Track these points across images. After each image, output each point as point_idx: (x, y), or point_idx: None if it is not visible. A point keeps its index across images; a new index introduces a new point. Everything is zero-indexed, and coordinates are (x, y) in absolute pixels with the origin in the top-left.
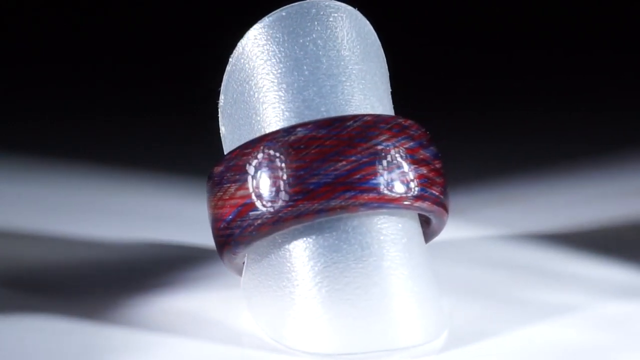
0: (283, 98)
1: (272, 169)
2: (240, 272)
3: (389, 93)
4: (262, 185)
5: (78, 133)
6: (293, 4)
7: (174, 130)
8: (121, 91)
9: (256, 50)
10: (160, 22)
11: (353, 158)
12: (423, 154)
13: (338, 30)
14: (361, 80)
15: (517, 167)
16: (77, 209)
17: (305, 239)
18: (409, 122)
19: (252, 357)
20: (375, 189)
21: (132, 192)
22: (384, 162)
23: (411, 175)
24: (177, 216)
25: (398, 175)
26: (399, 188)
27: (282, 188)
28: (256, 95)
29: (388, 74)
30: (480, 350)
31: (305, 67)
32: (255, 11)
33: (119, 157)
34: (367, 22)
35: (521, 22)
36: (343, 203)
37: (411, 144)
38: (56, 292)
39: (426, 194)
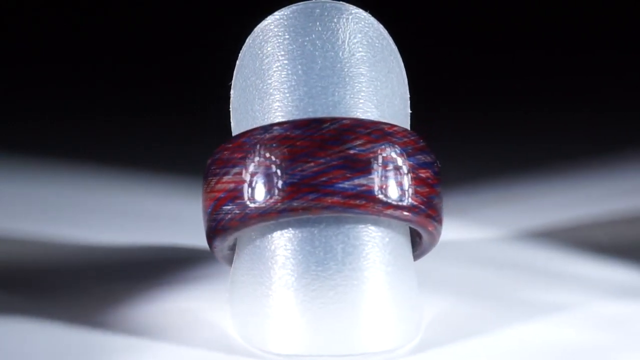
0: (274, 97)
1: (243, 165)
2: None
3: (400, 98)
4: (232, 180)
5: (78, 133)
6: (299, 3)
7: (174, 130)
8: (121, 91)
9: (259, 47)
10: (160, 22)
11: (322, 160)
12: (405, 161)
13: (340, 32)
14: (356, 84)
15: (517, 167)
16: (76, 209)
17: (279, 239)
18: (395, 128)
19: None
20: (340, 192)
21: (132, 192)
22: (354, 167)
23: (383, 182)
24: (178, 216)
25: (367, 181)
26: (366, 194)
27: (247, 186)
28: (254, 92)
29: (402, 79)
30: (480, 349)
31: (299, 67)
32: (256, 11)
33: (119, 157)
34: (379, 26)
35: (521, 22)
36: (306, 204)
37: (389, 150)
38: (56, 293)
39: (401, 203)
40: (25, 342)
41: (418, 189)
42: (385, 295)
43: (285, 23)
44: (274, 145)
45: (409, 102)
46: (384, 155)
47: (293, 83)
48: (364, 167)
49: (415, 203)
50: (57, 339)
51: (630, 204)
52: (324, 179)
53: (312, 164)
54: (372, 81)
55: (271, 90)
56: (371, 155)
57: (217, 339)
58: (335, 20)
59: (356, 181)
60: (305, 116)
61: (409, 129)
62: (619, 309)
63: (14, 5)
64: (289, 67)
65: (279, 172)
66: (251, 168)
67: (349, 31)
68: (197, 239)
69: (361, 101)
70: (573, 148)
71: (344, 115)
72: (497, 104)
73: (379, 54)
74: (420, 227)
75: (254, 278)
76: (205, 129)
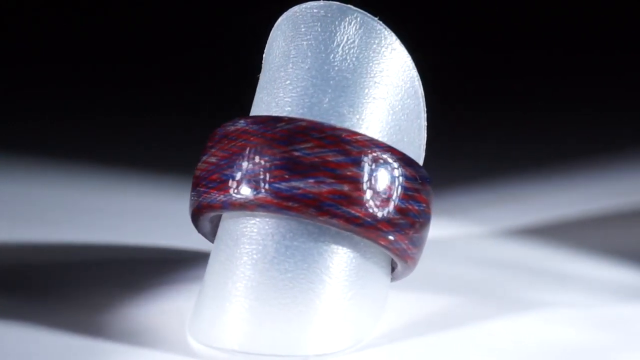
0: (266, 90)
1: (210, 154)
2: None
3: (399, 112)
4: (200, 167)
5: (78, 133)
6: (309, 2)
7: (174, 130)
8: (121, 91)
9: (270, 43)
10: (160, 22)
11: (267, 158)
12: (352, 171)
13: (338, 35)
14: (339, 89)
15: (516, 167)
16: (76, 209)
17: (241, 236)
18: (357, 137)
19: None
20: (275, 193)
21: (131, 192)
22: (295, 169)
23: (320, 188)
24: (178, 216)
25: (304, 185)
26: (300, 197)
27: (206, 175)
28: (259, 86)
29: (412, 95)
30: (480, 348)
31: (290, 65)
32: (256, 12)
33: (119, 157)
34: (388, 34)
35: (521, 22)
36: (243, 200)
37: (339, 158)
38: (56, 293)
39: (337, 211)
40: (24, 343)
41: (368, 200)
42: (330, 302)
43: (293, 21)
44: (233, 138)
45: (419, 121)
46: (331, 161)
47: (281, 80)
48: (303, 170)
49: (359, 214)
50: (56, 340)
51: (629, 204)
52: (263, 177)
53: (257, 160)
54: (359, 88)
55: (264, 84)
56: (315, 159)
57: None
58: (336, 22)
59: (293, 183)
60: (281, 113)
61: (409, 143)
62: (618, 309)
63: (13, 5)
64: (284, 65)
65: (228, 165)
66: (212, 159)
67: (347, 35)
68: (197, 238)
69: (340, 105)
70: (572, 148)
71: (316, 118)
72: (496, 104)
73: (382, 62)
74: (371, 241)
75: (210, 274)
76: (205, 129)
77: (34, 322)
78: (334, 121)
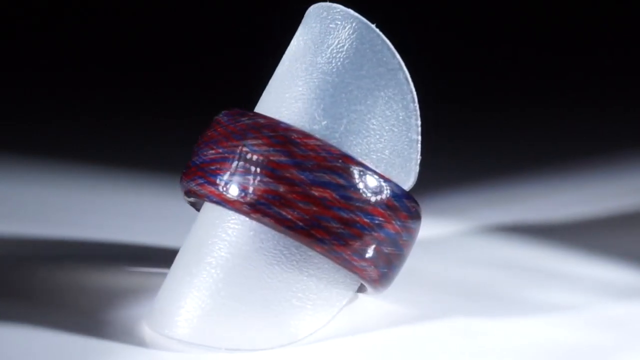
0: (269, 85)
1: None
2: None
3: (374, 116)
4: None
5: (78, 133)
6: (321, 3)
7: (174, 130)
8: (121, 91)
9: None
10: (160, 23)
11: (221, 150)
12: (294, 173)
13: (331, 37)
14: (315, 90)
15: (516, 167)
16: (75, 209)
17: (200, 226)
18: (308, 140)
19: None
20: (218, 184)
21: (131, 192)
22: (239, 164)
23: (256, 186)
24: (178, 217)
25: (243, 180)
26: (235, 192)
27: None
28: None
29: (398, 102)
30: (481, 348)
31: (286, 63)
32: (257, 12)
33: (118, 157)
34: (380, 42)
35: (522, 22)
36: (195, 188)
37: (283, 159)
38: (55, 292)
39: (269, 210)
40: (24, 344)
41: (301, 205)
42: (251, 297)
43: (305, 21)
44: (209, 127)
45: (410, 134)
46: (272, 160)
47: (279, 75)
48: (244, 165)
49: (290, 217)
50: (55, 340)
51: (628, 204)
52: (213, 167)
53: (213, 151)
54: (337, 93)
55: (266, 79)
56: (258, 157)
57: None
58: (332, 25)
59: (234, 178)
60: (262, 108)
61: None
62: (618, 309)
63: (14, 5)
64: (285, 60)
65: (196, 152)
66: (195, 146)
67: (339, 38)
68: None
69: (312, 109)
70: (571, 148)
71: (286, 118)
72: (497, 104)
73: (370, 67)
74: (304, 245)
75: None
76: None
77: (31, 322)
78: (305, 123)
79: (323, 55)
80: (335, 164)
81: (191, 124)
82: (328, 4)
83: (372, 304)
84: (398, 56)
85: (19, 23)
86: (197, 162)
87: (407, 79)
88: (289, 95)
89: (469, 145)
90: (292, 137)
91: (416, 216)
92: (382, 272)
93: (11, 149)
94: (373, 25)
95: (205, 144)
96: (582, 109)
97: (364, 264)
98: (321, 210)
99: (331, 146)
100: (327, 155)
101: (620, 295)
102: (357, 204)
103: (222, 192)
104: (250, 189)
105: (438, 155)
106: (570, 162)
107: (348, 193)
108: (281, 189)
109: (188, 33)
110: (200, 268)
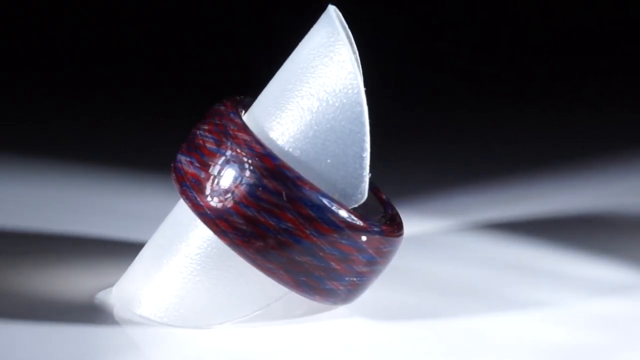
0: (264, 86)
1: None
2: None
3: (318, 123)
4: None
5: (78, 133)
6: (330, 5)
7: (174, 130)
8: (121, 91)
9: None
10: (160, 23)
11: (193, 131)
12: (214, 161)
13: (310, 41)
14: (280, 90)
15: (515, 166)
16: (75, 209)
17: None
18: (238, 133)
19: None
20: (172, 163)
21: (132, 192)
22: (188, 146)
23: (187, 168)
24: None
25: (184, 160)
26: (176, 171)
27: None
28: None
29: (340, 112)
30: (478, 349)
31: (285, 61)
32: (257, 12)
33: (118, 157)
34: (345, 51)
35: (522, 22)
36: (173, 174)
37: (213, 146)
38: (55, 292)
39: (189, 194)
40: (23, 344)
41: (214, 194)
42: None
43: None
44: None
45: (357, 150)
46: (206, 147)
47: (278, 72)
48: (191, 148)
49: (202, 204)
50: (55, 340)
51: (626, 204)
52: (182, 147)
53: (192, 132)
54: (293, 95)
55: (267, 79)
56: (200, 141)
57: (218, 335)
58: (316, 28)
59: (180, 157)
60: (254, 107)
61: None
62: (615, 308)
63: (13, 5)
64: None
65: (180, 150)
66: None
67: (314, 43)
68: None
69: (270, 107)
70: (569, 148)
71: (252, 110)
72: (496, 104)
73: (323, 77)
74: (213, 232)
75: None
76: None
77: (31, 322)
78: (262, 120)
79: (300, 56)
80: (252, 162)
81: (191, 124)
82: (331, 6)
83: (362, 304)
84: (357, 68)
85: (19, 23)
86: (175, 159)
87: (361, 89)
88: (264, 92)
89: (463, 146)
90: (228, 128)
91: (344, 230)
92: (299, 279)
93: (11, 149)
94: (349, 32)
95: (186, 141)
96: (577, 110)
97: (271, 266)
98: (223, 203)
99: (257, 145)
100: (248, 152)
101: (617, 295)
102: (262, 204)
103: (171, 169)
104: (184, 170)
105: (431, 156)
106: (565, 163)
107: (255, 192)
108: (202, 174)
109: (188, 33)
110: (149, 247)
